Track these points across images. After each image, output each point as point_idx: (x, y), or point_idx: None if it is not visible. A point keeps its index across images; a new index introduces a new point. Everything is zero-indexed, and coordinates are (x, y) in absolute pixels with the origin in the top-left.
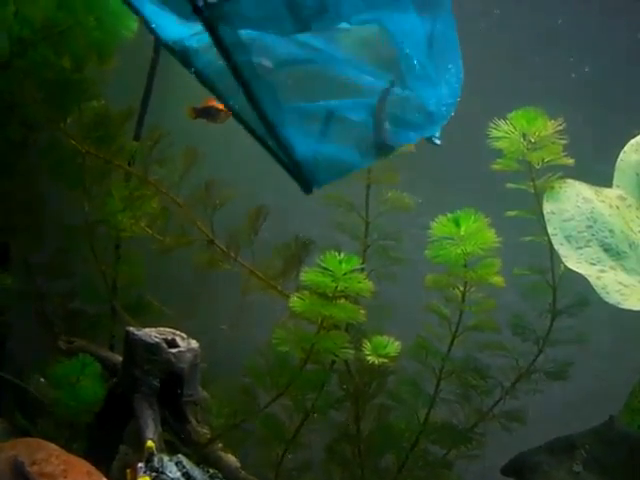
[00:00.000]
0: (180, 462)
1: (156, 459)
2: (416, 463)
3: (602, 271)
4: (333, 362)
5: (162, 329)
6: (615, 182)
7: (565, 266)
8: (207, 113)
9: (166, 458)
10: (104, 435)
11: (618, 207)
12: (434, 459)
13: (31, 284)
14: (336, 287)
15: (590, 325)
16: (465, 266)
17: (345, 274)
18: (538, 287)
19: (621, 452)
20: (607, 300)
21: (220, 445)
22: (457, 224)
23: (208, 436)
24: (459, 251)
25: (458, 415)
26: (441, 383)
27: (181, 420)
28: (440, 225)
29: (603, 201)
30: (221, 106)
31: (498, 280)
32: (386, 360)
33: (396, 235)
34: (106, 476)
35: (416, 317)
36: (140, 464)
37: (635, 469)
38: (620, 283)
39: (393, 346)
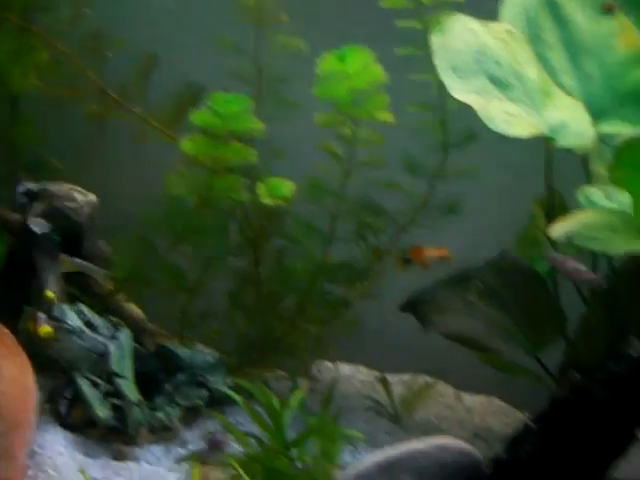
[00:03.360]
0: (81, 311)
1: (56, 308)
2: (316, 304)
3: (489, 101)
4: (230, 208)
5: (60, 185)
6: (503, 16)
7: (455, 102)
8: None
9: (66, 307)
10: (7, 294)
11: (506, 40)
12: (333, 299)
13: None
14: (226, 127)
15: (482, 161)
16: (353, 103)
17: (234, 114)
18: (429, 123)
19: (514, 282)
20: (493, 129)
21: (124, 297)
22: (343, 60)
23: (111, 288)
24: (346, 87)
25: (355, 254)
26: (336, 222)
27: (83, 273)
28: (327, 62)
29: (491, 34)
30: None
31: (387, 116)
32: (280, 201)
33: (288, 78)
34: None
35: (310, 158)
36: (40, 314)
37: (527, 297)
38: (507, 112)
39: (287, 187)
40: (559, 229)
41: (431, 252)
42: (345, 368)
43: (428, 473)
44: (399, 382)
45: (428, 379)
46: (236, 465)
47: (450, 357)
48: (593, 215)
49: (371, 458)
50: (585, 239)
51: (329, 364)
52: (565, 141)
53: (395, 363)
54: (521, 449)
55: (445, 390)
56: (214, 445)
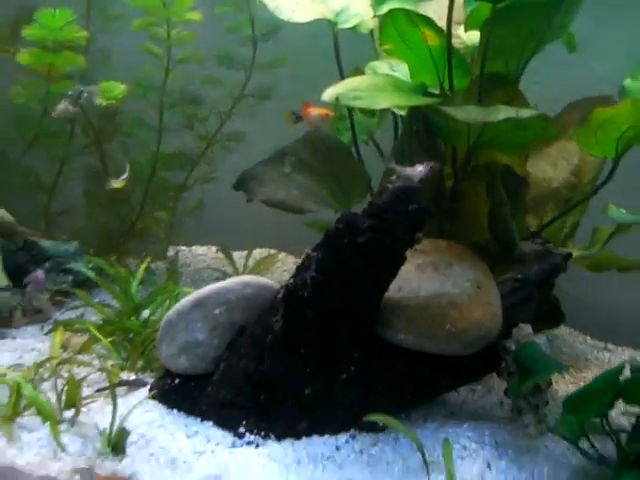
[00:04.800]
0: None
1: None
2: (158, 190)
3: None
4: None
5: None
6: None
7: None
8: None
9: None
10: None
11: None
12: (173, 184)
13: None
14: (54, 38)
15: (289, 52)
16: (164, 5)
17: (60, 26)
18: (238, 21)
19: (322, 153)
20: (280, 16)
21: None
22: None
23: None
24: None
25: (186, 143)
26: (164, 116)
27: None
28: None
29: None
30: None
31: (195, 16)
32: (114, 102)
33: None
34: None
35: (135, 60)
36: None
37: (334, 164)
38: (293, 3)
39: (119, 89)
40: (329, 92)
41: (316, 110)
42: (199, 249)
43: (233, 304)
44: (248, 256)
45: (271, 251)
46: (92, 328)
47: (291, 231)
48: (359, 79)
49: (187, 298)
50: (350, 99)
51: (184, 247)
52: (346, 23)
53: (243, 241)
54: (305, 274)
55: (286, 259)
56: (35, 282)
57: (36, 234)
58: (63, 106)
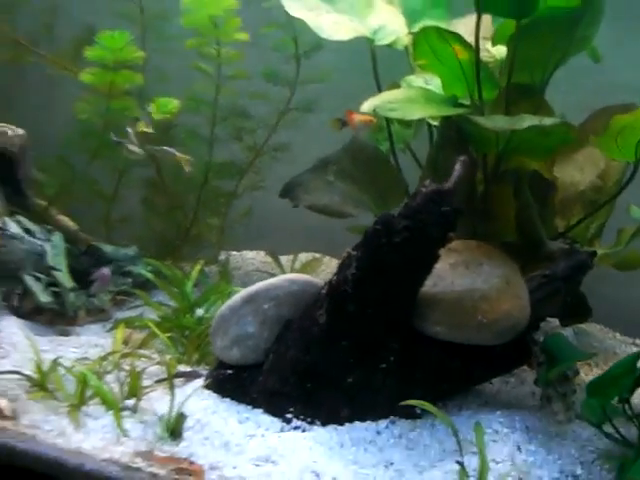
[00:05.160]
0: (20, 221)
1: None
2: (210, 198)
3: (318, 15)
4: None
5: None
6: None
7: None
8: None
9: (7, 218)
10: None
11: None
12: (224, 192)
13: None
14: (114, 58)
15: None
16: (215, 26)
17: (119, 47)
18: (282, 40)
19: (363, 161)
20: (322, 35)
21: (56, 211)
22: None
23: (44, 204)
24: (205, 15)
25: (236, 154)
26: (215, 128)
27: (20, 194)
28: None
29: None
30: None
31: (243, 36)
32: (168, 115)
33: (167, 14)
34: None
35: (187, 77)
36: None
37: (373, 172)
38: (333, 22)
39: (173, 104)
40: (368, 104)
41: (359, 117)
42: (249, 254)
43: (281, 299)
44: (294, 260)
45: (316, 255)
46: (151, 325)
47: (335, 236)
48: (395, 92)
49: (238, 294)
50: (386, 110)
51: (235, 252)
52: (383, 40)
53: (290, 245)
54: (347, 271)
55: (330, 262)
56: (101, 279)
57: (98, 240)
58: (135, 150)
